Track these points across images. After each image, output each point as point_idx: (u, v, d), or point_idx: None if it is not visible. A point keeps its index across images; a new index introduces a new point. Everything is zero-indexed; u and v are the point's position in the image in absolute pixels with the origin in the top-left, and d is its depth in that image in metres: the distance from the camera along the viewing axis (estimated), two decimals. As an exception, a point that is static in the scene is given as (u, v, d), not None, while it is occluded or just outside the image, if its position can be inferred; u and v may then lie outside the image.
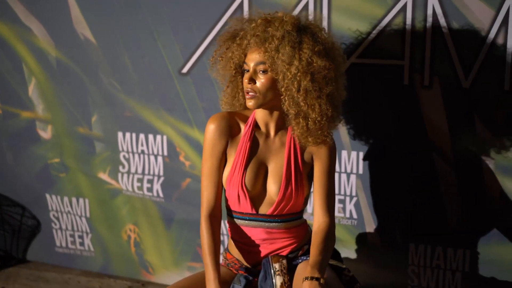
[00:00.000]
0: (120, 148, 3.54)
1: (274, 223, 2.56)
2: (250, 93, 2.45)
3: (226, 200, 2.61)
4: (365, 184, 3.09)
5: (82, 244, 3.83)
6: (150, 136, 3.46)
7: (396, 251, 3.11)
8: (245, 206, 2.55)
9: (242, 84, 2.55)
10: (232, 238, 2.67)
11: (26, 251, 4.00)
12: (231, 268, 2.69)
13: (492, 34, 2.74)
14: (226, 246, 2.77)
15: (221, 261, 2.78)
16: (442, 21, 2.78)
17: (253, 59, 2.44)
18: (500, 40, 2.73)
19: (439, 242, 3.04)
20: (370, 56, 2.93)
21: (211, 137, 2.55)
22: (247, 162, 2.54)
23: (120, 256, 3.75)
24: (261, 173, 2.55)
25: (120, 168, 3.57)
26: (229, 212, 2.62)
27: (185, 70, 3.28)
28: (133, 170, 3.54)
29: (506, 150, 2.84)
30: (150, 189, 3.53)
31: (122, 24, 3.34)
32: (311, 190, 2.59)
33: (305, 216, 3.11)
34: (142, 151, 3.50)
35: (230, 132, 2.56)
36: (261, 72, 2.44)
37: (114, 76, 3.43)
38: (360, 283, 2.57)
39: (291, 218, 2.58)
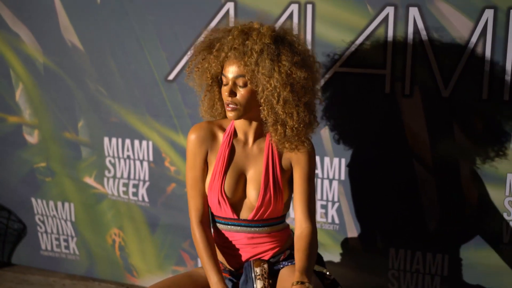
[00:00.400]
0: (106, 153, 3.58)
1: (255, 228, 2.62)
2: (231, 105, 2.49)
3: (209, 206, 2.68)
4: (347, 190, 3.15)
5: (67, 247, 3.87)
6: (136, 142, 3.51)
7: (377, 255, 3.17)
8: (227, 212, 2.62)
9: (220, 94, 2.60)
10: (215, 242, 2.73)
11: (11, 255, 4.03)
12: None
13: (471, 45, 2.81)
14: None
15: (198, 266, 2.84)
16: (422, 32, 2.86)
17: (232, 72, 2.47)
18: (479, 51, 2.81)
19: (419, 247, 3.10)
20: (353, 65, 2.99)
21: (191, 147, 2.63)
22: (226, 169, 2.60)
23: (105, 259, 3.79)
24: (241, 179, 2.61)
25: (106, 173, 3.62)
26: (212, 216, 2.68)
27: (171, 77, 3.33)
28: (118, 175, 3.59)
29: (483, 157, 2.92)
30: (135, 194, 3.58)
31: (109, 32, 3.39)
32: (292, 195, 2.65)
33: (287, 221, 3.19)
34: (128, 156, 3.55)
35: (209, 141, 2.62)
36: (241, 84, 2.48)
37: (101, 82, 3.48)
38: (341, 286, 2.64)
39: (272, 223, 2.64)
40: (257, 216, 2.59)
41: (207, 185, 2.63)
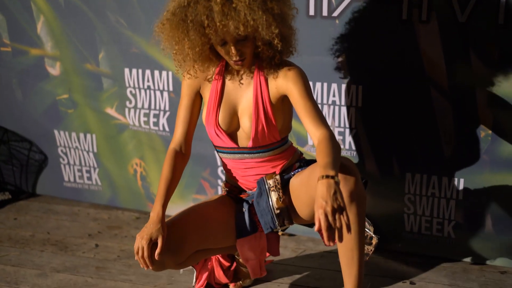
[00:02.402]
0: (127, 84, 3.64)
1: (257, 154, 2.72)
2: (240, 61, 2.60)
3: (211, 140, 2.79)
4: (364, 117, 3.20)
5: (89, 178, 3.96)
6: (156, 72, 3.56)
7: (393, 180, 3.23)
8: (226, 142, 2.73)
9: (217, 52, 2.65)
10: (225, 170, 2.86)
11: (35, 186, 4.13)
12: (231, 195, 2.87)
13: (488, -30, 2.83)
14: (224, 179, 2.93)
15: (221, 191, 2.94)
16: (440, -43, 2.87)
17: (234, 36, 2.53)
18: (495, -24, 2.82)
19: (435, 171, 3.16)
20: (370, -8, 3.02)
21: (186, 79, 2.75)
22: (219, 102, 2.71)
23: (127, 189, 3.89)
24: (234, 112, 2.72)
25: (127, 103, 3.68)
26: (216, 149, 2.80)
27: (190, 7, 3.35)
28: (139, 105, 3.65)
29: (499, 83, 2.94)
30: (156, 124, 3.65)
31: (128, -38, 3.42)
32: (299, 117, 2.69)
33: (306, 148, 3.25)
34: (148, 87, 3.61)
35: (203, 75, 2.73)
36: (242, 40, 2.55)
37: (121, 13, 3.52)
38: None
39: (273, 147, 2.73)
40: (256, 144, 2.69)
41: (204, 118, 2.76)
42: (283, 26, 2.56)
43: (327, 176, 2.28)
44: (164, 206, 2.66)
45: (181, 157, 2.76)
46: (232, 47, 2.55)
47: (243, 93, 2.71)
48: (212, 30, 2.51)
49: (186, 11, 2.53)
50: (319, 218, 2.22)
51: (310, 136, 2.62)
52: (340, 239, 2.24)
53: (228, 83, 2.73)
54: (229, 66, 2.72)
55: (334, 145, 2.45)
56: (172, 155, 2.74)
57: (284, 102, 2.71)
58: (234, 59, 2.59)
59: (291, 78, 2.63)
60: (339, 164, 2.40)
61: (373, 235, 2.69)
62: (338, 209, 2.23)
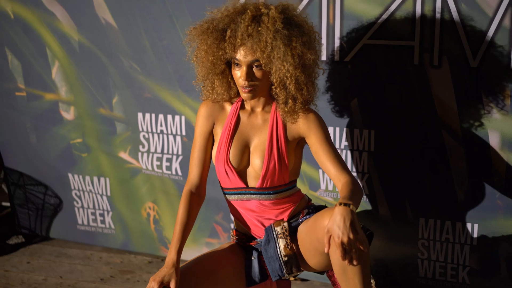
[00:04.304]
0: (140, 128, 3.66)
1: (265, 195, 2.71)
2: (247, 88, 2.61)
3: (219, 179, 2.78)
4: (377, 161, 3.19)
5: (103, 221, 3.96)
6: (169, 117, 3.57)
7: (407, 225, 3.21)
8: (235, 181, 2.72)
9: (231, 76, 2.69)
10: (233, 215, 2.85)
11: (49, 229, 4.14)
12: (240, 243, 2.86)
13: (499, 14, 2.82)
14: (232, 225, 2.92)
15: (229, 239, 2.93)
16: (450, 2, 2.87)
17: (248, 58, 2.57)
18: (506, 21, 2.82)
19: (448, 216, 3.14)
20: (381, 37, 3.02)
21: (199, 119, 2.78)
22: (231, 139, 2.71)
23: (140, 233, 3.88)
24: (246, 149, 2.72)
25: (140, 147, 3.69)
26: (223, 190, 2.79)
27: (202, 52, 3.38)
28: (152, 149, 3.66)
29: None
30: (169, 168, 3.65)
31: (141, 9, 3.44)
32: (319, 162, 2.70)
33: (319, 193, 3.24)
34: (161, 131, 3.62)
35: (216, 114, 2.77)
36: (255, 67, 2.59)
37: (134, 58, 3.55)
38: (371, 259, 2.65)
39: (281, 190, 2.71)
40: (264, 184, 2.68)
41: (214, 156, 2.75)
42: (301, 70, 2.57)
43: (345, 204, 2.34)
44: (180, 250, 2.65)
45: (196, 199, 2.76)
46: (244, 68, 2.57)
47: (258, 131, 2.71)
48: (230, 44, 2.57)
49: (215, 19, 2.62)
50: (329, 243, 2.32)
51: (333, 181, 2.62)
52: (356, 262, 2.31)
53: (243, 119, 2.73)
54: (245, 105, 2.73)
55: (357, 188, 2.53)
56: (187, 197, 2.74)
57: (298, 144, 2.71)
58: (243, 83, 2.59)
59: (313, 122, 2.66)
60: (358, 203, 2.46)
61: None
62: (354, 239, 2.29)
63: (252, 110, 2.74)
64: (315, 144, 2.66)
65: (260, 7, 2.60)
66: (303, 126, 2.67)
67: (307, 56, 2.57)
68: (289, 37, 2.54)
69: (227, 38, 2.58)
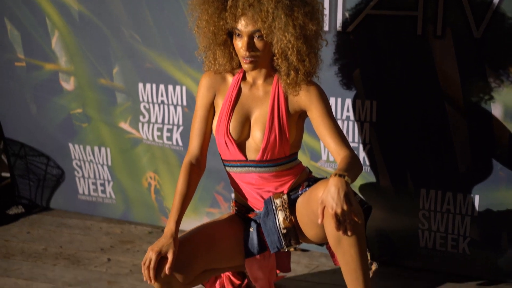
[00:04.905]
0: (141, 99, 3.64)
1: (265, 168, 2.70)
2: (248, 58, 2.59)
3: (219, 151, 2.77)
4: (378, 132, 3.19)
5: (104, 191, 3.96)
6: (170, 87, 3.56)
7: (408, 196, 3.22)
8: (234, 153, 2.71)
9: (233, 46, 2.66)
10: (232, 186, 2.85)
11: (50, 200, 4.14)
12: (240, 214, 2.86)
13: (503, -15, 2.82)
14: (232, 195, 2.92)
15: (229, 209, 2.93)
16: (454, -28, 2.87)
17: (249, 28, 2.55)
18: (511, -9, 2.82)
19: (449, 187, 3.14)
20: (384, 7, 3.01)
21: (201, 89, 2.77)
22: (231, 111, 2.70)
23: (140, 203, 3.88)
24: (246, 121, 2.71)
25: (141, 118, 3.68)
26: (223, 162, 2.78)
27: (204, 22, 3.36)
28: (153, 120, 3.66)
29: (515, 98, 2.94)
30: (169, 138, 3.65)
31: (143, -23, 3.43)
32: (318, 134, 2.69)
33: (320, 163, 3.24)
34: (162, 102, 3.61)
35: (218, 85, 2.75)
36: (257, 37, 2.57)
37: (135, 28, 3.53)
38: (372, 230, 2.65)
39: (281, 162, 2.71)
40: (264, 157, 2.67)
41: (214, 127, 2.74)
42: (303, 41, 2.54)
43: (340, 175, 2.34)
44: (178, 221, 2.65)
45: (196, 170, 2.75)
46: (245, 38, 2.56)
47: (259, 103, 2.70)
48: (231, 14, 2.55)
49: None
50: (323, 214, 2.34)
51: (332, 155, 2.61)
52: (350, 233, 2.33)
53: (244, 91, 2.72)
54: (246, 78, 2.72)
55: (355, 162, 2.54)
56: (187, 168, 2.73)
57: (300, 117, 2.70)
58: (244, 54, 2.58)
59: (315, 95, 2.64)
60: (355, 176, 2.47)
61: (372, 261, 2.67)
62: (348, 211, 2.30)
63: (254, 82, 2.72)
64: (316, 117, 2.65)
65: None
66: (304, 99, 2.66)
67: (309, 27, 2.54)
68: (291, 7, 2.51)
69: (228, 7, 2.56)
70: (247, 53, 2.58)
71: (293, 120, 2.69)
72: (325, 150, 3.29)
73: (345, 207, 2.29)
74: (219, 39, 2.65)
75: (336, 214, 2.30)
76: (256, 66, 2.62)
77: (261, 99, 2.70)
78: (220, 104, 2.73)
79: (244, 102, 2.71)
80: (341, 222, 2.32)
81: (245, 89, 2.72)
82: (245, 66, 2.61)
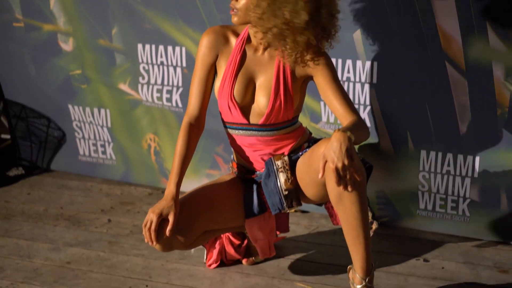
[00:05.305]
0: (140, 60, 3.62)
1: (266, 132, 2.68)
2: (234, 10, 2.55)
3: (220, 112, 2.73)
4: (379, 93, 3.17)
5: (104, 152, 3.96)
6: (169, 48, 3.54)
7: (408, 157, 3.21)
8: (237, 117, 2.68)
9: None
10: (232, 147, 2.83)
11: (51, 161, 4.14)
12: (240, 175, 2.85)
13: None
14: (232, 156, 2.90)
15: (229, 170, 2.92)
16: None
17: None
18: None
19: (450, 149, 3.13)
20: (386, -34, 2.98)
21: (202, 49, 2.70)
22: (236, 74, 2.65)
23: (140, 164, 3.88)
24: (250, 85, 2.67)
25: (140, 79, 3.66)
26: (224, 123, 2.75)
27: (203, -18, 3.34)
28: (152, 81, 3.64)
29: (517, 59, 2.92)
30: (169, 100, 3.63)
31: None
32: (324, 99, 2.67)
33: (320, 125, 3.23)
34: (162, 63, 3.58)
35: (221, 46, 2.69)
36: None
37: (134, -12, 3.51)
38: (372, 191, 2.65)
39: (283, 126, 2.68)
40: (268, 121, 2.65)
41: (216, 89, 2.70)
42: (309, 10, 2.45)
43: (344, 131, 2.33)
44: (179, 183, 2.64)
45: (195, 131, 2.73)
46: None
47: (264, 67, 2.66)
48: None
49: None
50: (324, 169, 2.33)
51: (340, 120, 2.58)
52: (350, 188, 2.34)
53: (248, 55, 2.67)
54: (251, 40, 2.67)
55: (362, 126, 2.53)
56: (186, 129, 2.71)
57: (304, 82, 2.67)
58: (231, 3, 2.55)
59: (322, 61, 2.59)
60: (359, 138, 2.47)
61: (373, 220, 2.67)
62: (349, 165, 2.29)
63: (258, 44, 2.66)
64: (322, 83, 2.61)
65: None
66: (311, 64, 2.61)
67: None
68: None
69: None
70: (232, 2, 2.55)
71: (298, 85, 2.66)
72: (326, 111, 3.27)
73: (346, 162, 2.28)
74: None
75: (337, 169, 2.29)
76: (240, 22, 2.56)
77: (265, 64, 2.66)
78: (223, 67, 2.69)
79: (249, 66, 2.67)
80: (342, 177, 2.31)
81: (249, 52, 2.67)
82: (232, 17, 2.58)
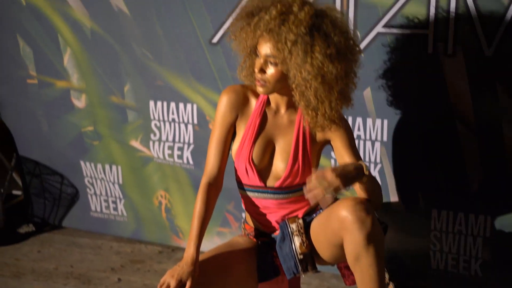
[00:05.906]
0: (152, 117, 3.64)
1: (282, 195, 2.65)
2: (260, 82, 2.52)
3: (236, 173, 2.70)
4: (389, 151, 3.15)
5: (115, 209, 3.95)
6: (181, 105, 3.55)
7: (419, 216, 3.18)
8: (253, 180, 2.64)
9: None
10: (246, 209, 2.78)
11: (63, 219, 4.13)
12: (251, 238, 2.80)
13: (514, 3, 2.79)
14: (244, 218, 2.87)
15: (240, 230, 2.88)
16: (465, -10, 2.84)
17: (265, 51, 2.48)
18: (522, 9, 2.78)
19: (461, 208, 3.10)
20: (396, 26, 2.98)
21: (222, 108, 2.65)
22: (255, 138, 2.62)
23: (151, 221, 3.87)
24: (269, 149, 2.64)
25: (152, 136, 3.67)
26: (239, 184, 2.71)
27: (215, 40, 3.35)
28: (164, 138, 3.64)
29: (527, 118, 2.90)
30: (180, 157, 3.63)
31: (154, -5, 3.43)
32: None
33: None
34: (173, 120, 3.60)
35: (241, 106, 2.65)
36: (270, 63, 2.49)
37: (146, 46, 3.53)
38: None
39: (298, 189, 2.64)
40: (283, 184, 2.62)
41: (234, 151, 2.66)
42: (321, 81, 2.45)
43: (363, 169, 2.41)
44: (199, 245, 2.56)
45: (214, 190, 2.66)
46: (261, 60, 2.49)
47: (283, 131, 2.63)
48: (253, 30, 2.48)
49: (253, 3, 2.54)
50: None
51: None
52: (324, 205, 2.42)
53: (268, 118, 2.64)
54: (270, 103, 2.66)
55: (377, 185, 2.56)
56: (205, 189, 2.64)
57: (323, 146, 2.66)
58: (256, 74, 2.52)
59: (342, 125, 2.58)
60: (376, 201, 2.52)
61: (389, 282, 2.64)
62: (338, 188, 2.31)
63: (277, 107, 2.64)
64: (340, 147, 2.59)
65: (295, 4, 2.47)
66: (330, 131, 2.60)
67: (328, 68, 2.42)
68: (312, 44, 2.41)
69: (252, 25, 2.50)
70: (259, 75, 2.52)
71: (317, 149, 2.64)
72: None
73: (341, 185, 2.30)
74: (242, 50, 2.61)
75: (325, 177, 2.29)
76: (268, 92, 2.55)
77: (285, 128, 2.64)
78: (243, 128, 2.65)
79: (268, 130, 2.64)
80: (322, 186, 2.31)
81: (269, 115, 2.64)
82: (257, 88, 2.55)
